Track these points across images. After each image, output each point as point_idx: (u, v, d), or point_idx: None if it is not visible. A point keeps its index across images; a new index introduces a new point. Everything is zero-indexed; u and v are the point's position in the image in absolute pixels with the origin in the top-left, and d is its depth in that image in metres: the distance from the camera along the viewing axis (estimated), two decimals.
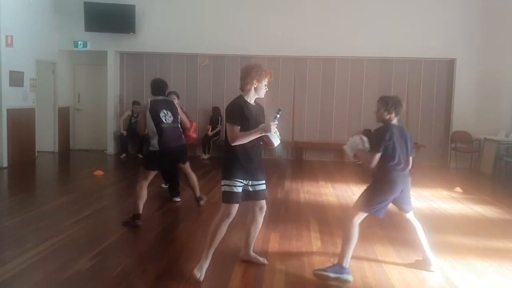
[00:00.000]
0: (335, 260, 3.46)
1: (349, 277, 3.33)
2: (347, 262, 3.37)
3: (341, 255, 3.39)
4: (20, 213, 5.13)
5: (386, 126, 3.39)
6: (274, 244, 4.21)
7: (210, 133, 9.90)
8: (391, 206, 3.53)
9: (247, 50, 9.76)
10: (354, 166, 8.93)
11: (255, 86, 3.36)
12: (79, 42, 9.95)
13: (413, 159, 3.53)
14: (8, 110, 8.12)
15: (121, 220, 4.77)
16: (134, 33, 9.77)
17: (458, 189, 7.04)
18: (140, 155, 9.72)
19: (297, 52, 9.77)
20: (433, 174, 8.74)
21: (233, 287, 3.27)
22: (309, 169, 8.92)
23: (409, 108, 9.95)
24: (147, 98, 5.19)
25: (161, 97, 5.07)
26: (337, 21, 9.62)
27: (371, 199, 3.40)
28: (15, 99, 8.38)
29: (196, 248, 3.89)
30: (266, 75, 3.38)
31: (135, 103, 9.94)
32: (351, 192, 6.71)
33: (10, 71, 8.18)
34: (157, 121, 4.86)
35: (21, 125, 8.62)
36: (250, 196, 3.46)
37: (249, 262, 3.68)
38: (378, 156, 3.32)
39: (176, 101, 5.62)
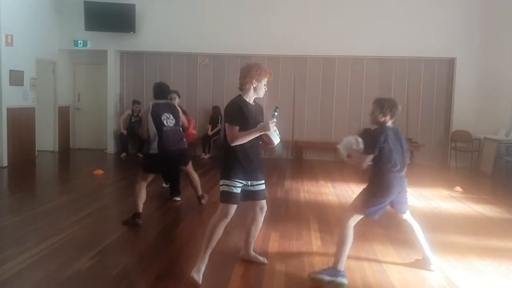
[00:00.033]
0: (330, 263, 3.43)
1: (344, 280, 3.28)
2: (342, 265, 3.32)
3: (336, 258, 3.35)
4: (20, 212, 5.13)
5: (381, 128, 3.36)
6: (274, 244, 4.21)
7: (210, 133, 9.90)
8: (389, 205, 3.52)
9: (247, 49, 9.76)
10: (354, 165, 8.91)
11: (254, 86, 3.33)
12: (79, 41, 9.95)
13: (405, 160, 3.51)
14: (8, 109, 8.12)
15: (121, 219, 4.77)
16: (134, 32, 9.77)
17: (458, 188, 7.04)
18: (140, 154, 9.72)
19: (297, 51, 9.77)
20: (433, 173, 8.74)
21: (233, 287, 3.27)
22: (309, 169, 8.93)
23: (409, 107, 9.95)
24: (149, 102, 5.22)
25: (163, 101, 5.11)
26: (337, 21, 9.62)
27: (367, 202, 3.36)
28: (15, 98, 8.38)
29: (196, 248, 3.88)
30: (266, 75, 3.35)
31: (135, 102, 9.95)
32: (351, 191, 6.71)
33: (10, 70, 8.18)
34: (159, 124, 4.91)
35: (21, 124, 8.62)
36: (250, 196, 3.45)
37: (249, 262, 3.68)
38: (370, 157, 3.29)
39: (177, 100, 5.65)
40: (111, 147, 10.27)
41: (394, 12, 9.50)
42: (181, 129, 5.17)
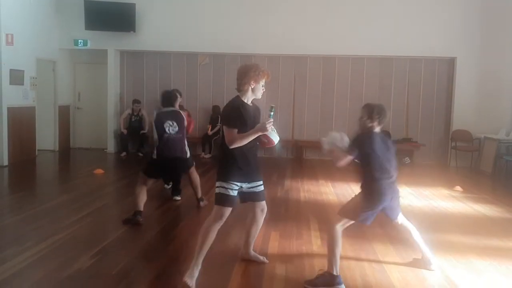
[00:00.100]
0: (324, 268, 3.35)
1: (342, 287, 3.23)
2: (337, 269, 3.26)
3: (329, 263, 3.29)
4: (21, 211, 5.13)
5: (368, 133, 3.33)
6: (274, 243, 4.21)
7: (210, 132, 9.91)
8: None
9: (247, 49, 9.76)
10: (354, 165, 8.91)
11: (252, 87, 3.27)
12: (79, 41, 9.95)
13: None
14: (8, 109, 8.12)
15: (121, 219, 4.78)
16: (134, 31, 9.77)
17: (458, 188, 7.04)
18: (140, 154, 9.74)
19: (297, 51, 9.77)
20: (433, 173, 8.75)
21: (233, 287, 3.27)
22: (309, 168, 8.93)
23: (409, 107, 9.96)
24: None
25: (169, 109, 5.19)
26: (337, 20, 9.61)
27: (359, 208, 3.33)
28: (16, 97, 8.38)
29: (196, 247, 3.88)
30: (264, 76, 3.30)
31: (135, 101, 9.95)
32: (351, 190, 6.70)
33: (11, 70, 8.18)
34: (161, 131, 5.03)
35: (22, 124, 8.62)
36: (250, 198, 3.44)
37: (249, 261, 3.68)
38: (349, 158, 3.25)
39: (178, 99, 5.68)
40: (111, 146, 10.27)
41: (394, 12, 9.50)
42: (183, 136, 5.21)
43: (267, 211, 3.63)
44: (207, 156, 9.83)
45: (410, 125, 9.95)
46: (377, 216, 3.45)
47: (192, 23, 9.82)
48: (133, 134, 9.86)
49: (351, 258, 3.85)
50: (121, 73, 10.49)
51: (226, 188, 3.23)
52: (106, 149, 10.27)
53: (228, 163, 3.25)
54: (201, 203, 5.50)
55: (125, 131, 9.87)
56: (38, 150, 9.33)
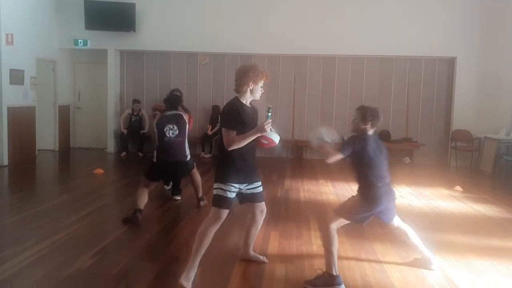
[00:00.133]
0: (323, 267, 3.35)
1: (342, 287, 3.22)
2: (336, 268, 3.26)
3: (327, 263, 3.29)
4: (21, 211, 5.13)
5: (363, 135, 3.34)
6: (274, 243, 4.22)
7: (210, 132, 9.91)
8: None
9: (247, 48, 9.76)
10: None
11: (251, 88, 3.25)
12: (79, 41, 9.94)
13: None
14: (8, 108, 8.12)
15: (121, 218, 4.78)
16: (134, 31, 9.77)
17: (458, 187, 7.04)
18: (140, 154, 9.74)
19: (297, 50, 9.77)
20: (433, 172, 8.74)
21: (233, 286, 3.27)
22: (309, 168, 8.93)
23: (409, 106, 9.96)
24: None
25: (172, 112, 5.24)
26: (337, 20, 9.61)
27: (356, 208, 3.34)
28: (16, 97, 8.38)
29: (192, 249, 3.88)
30: (263, 77, 3.28)
31: (135, 101, 9.95)
32: (351, 190, 6.69)
33: (11, 69, 8.18)
34: (161, 135, 5.10)
35: (22, 123, 8.62)
36: (249, 199, 3.43)
37: (249, 261, 3.68)
38: (340, 156, 3.25)
39: (183, 102, 5.74)
40: (111, 146, 10.27)
41: (394, 12, 9.50)
42: (184, 140, 5.23)
43: (267, 211, 3.63)
44: (207, 156, 9.84)
45: (410, 125, 9.95)
46: (376, 216, 3.46)
47: (192, 23, 9.82)
48: (133, 134, 9.86)
49: (351, 258, 3.86)
50: (121, 73, 10.49)
51: (225, 190, 3.21)
52: (106, 149, 10.27)
53: (227, 165, 3.24)
54: (201, 203, 5.51)
55: (125, 131, 9.87)
56: (38, 150, 9.33)
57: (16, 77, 8.37)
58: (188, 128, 5.38)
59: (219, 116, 9.88)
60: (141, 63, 10.44)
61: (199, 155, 9.73)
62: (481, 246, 4.33)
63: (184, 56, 10.32)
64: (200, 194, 5.55)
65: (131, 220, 4.68)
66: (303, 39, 9.59)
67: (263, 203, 3.54)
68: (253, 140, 3.20)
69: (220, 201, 3.22)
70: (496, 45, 9.35)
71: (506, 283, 3.49)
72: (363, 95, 9.95)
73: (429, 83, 9.95)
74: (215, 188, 3.25)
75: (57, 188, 6.91)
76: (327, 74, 10.12)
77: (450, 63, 9.83)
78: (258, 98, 3.35)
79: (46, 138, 9.84)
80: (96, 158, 9.45)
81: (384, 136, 9.73)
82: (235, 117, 3.17)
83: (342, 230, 3.55)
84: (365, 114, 3.33)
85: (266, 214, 3.62)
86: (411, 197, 6.45)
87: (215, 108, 9.96)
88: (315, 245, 4.20)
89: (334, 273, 3.25)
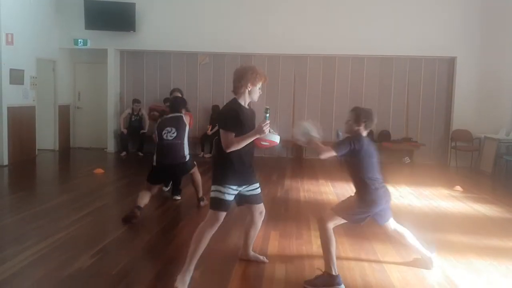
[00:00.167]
0: (322, 267, 3.34)
1: (342, 287, 3.21)
2: (335, 268, 3.25)
3: (327, 263, 3.28)
4: (21, 211, 5.13)
5: (357, 135, 3.34)
6: (274, 243, 4.22)
7: (209, 132, 9.91)
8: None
9: (247, 48, 9.76)
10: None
11: (249, 89, 3.23)
12: (79, 40, 9.94)
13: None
14: (8, 108, 8.12)
15: (121, 218, 4.78)
16: (134, 31, 9.77)
17: (458, 187, 7.04)
18: (140, 153, 9.74)
19: (297, 50, 9.76)
20: (433, 172, 8.74)
21: (233, 286, 3.27)
22: (309, 168, 8.92)
23: (409, 106, 9.96)
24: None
25: (173, 115, 5.28)
26: (337, 19, 9.61)
27: (354, 209, 3.34)
28: (16, 97, 8.38)
29: (189, 252, 3.89)
30: (261, 79, 3.26)
31: (135, 101, 9.95)
32: (351, 190, 6.68)
33: (11, 69, 8.18)
34: (159, 137, 5.15)
35: (22, 123, 8.62)
36: (248, 201, 3.43)
37: (249, 261, 3.69)
38: (332, 153, 3.25)
39: (186, 104, 5.76)
40: (111, 146, 10.27)
41: (394, 12, 9.50)
42: (183, 142, 5.24)
43: (266, 211, 3.63)
44: (207, 155, 9.83)
45: (410, 125, 9.95)
46: (372, 218, 3.46)
47: (192, 23, 9.82)
48: (133, 134, 9.86)
49: (351, 258, 3.86)
50: (121, 72, 10.49)
51: (223, 193, 3.17)
52: (106, 148, 10.27)
53: (225, 167, 3.20)
54: (201, 203, 5.52)
55: (125, 131, 9.87)
56: (38, 149, 9.33)
57: (16, 77, 8.37)
58: (189, 126, 5.40)
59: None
60: (141, 63, 10.44)
61: (198, 155, 9.73)
62: (481, 246, 4.33)
63: (184, 56, 10.32)
64: (201, 194, 5.56)
65: (130, 216, 4.70)
66: (303, 39, 9.59)
67: (262, 204, 3.53)
68: (251, 142, 3.18)
69: (218, 204, 3.19)
70: (496, 45, 9.35)
71: (506, 283, 3.49)
72: (363, 95, 9.96)
73: (429, 83, 9.95)
74: (212, 191, 3.22)
75: (57, 188, 6.91)
76: (327, 74, 10.12)
77: (450, 63, 9.83)
78: (256, 99, 3.32)
79: (46, 138, 9.85)
80: (96, 158, 9.45)
81: (384, 136, 9.75)
82: (234, 119, 3.15)
83: (342, 230, 3.56)
84: (359, 115, 3.34)
85: (265, 215, 3.62)
86: (411, 197, 6.44)
87: (215, 108, 9.96)
88: (315, 245, 4.19)
89: (334, 273, 3.25)
